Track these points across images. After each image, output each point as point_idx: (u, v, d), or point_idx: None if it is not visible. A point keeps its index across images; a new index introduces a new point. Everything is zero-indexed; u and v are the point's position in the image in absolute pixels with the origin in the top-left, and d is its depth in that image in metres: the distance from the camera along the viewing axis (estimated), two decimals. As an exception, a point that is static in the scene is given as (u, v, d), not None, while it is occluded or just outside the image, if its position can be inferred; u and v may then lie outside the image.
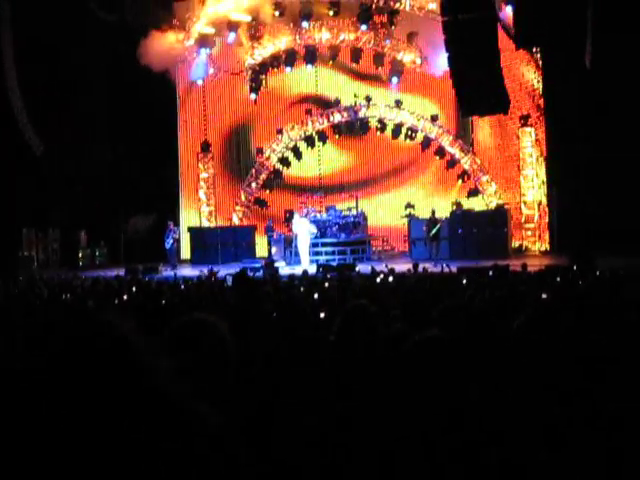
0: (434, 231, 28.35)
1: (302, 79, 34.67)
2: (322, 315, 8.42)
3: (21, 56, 27.86)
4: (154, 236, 31.96)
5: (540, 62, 31.14)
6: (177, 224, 32.39)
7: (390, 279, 15.81)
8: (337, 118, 34.27)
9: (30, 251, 32.60)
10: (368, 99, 33.61)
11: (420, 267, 19.99)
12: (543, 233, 32.12)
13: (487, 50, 19.81)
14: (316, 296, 11.52)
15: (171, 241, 30.91)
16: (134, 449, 1.65)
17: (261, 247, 33.20)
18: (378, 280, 15.55)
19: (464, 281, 13.46)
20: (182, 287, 16.12)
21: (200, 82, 33.73)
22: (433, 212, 29.12)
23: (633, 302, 8.80)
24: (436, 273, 18.73)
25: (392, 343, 4.59)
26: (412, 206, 32.60)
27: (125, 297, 13.03)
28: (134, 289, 15.24)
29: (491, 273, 16.27)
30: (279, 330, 6.70)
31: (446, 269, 18.54)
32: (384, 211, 34.23)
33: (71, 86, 30.50)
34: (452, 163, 33.26)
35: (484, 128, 32.94)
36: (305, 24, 32.11)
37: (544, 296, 9.83)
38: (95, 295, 14.18)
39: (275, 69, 33.92)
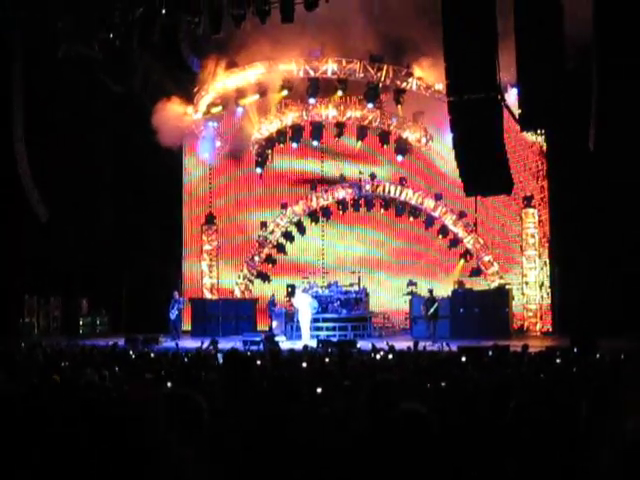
0: (432, 310, 28.35)
1: (307, 155, 34.88)
2: (319, 390, 8.40)
3: (29, 123, 28.09)
4: (157, 306, 31.91)
5: (544, 144, 31.36)
6: (181, 295, 32.33)
7: (390, 356, 15.77)
8: (341, 194, 34.41)
9: (31, 318, 32.55)
10: (373, 176, 33.76)
11: (420, 345, 19.92)
12: (545, 314, 32.07)
13: (492, 131, 19.92)
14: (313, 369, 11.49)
15: (176, 312, 30.84)
16: None
17: (262, 321, 33.13)
18: (378, 357, 15.51)
19: (463, 360, 13.42)
20: (185, 360, 16.02)
21: (206, 156, 33.95)
22: (431, 291, 29.17)
23: (632, 385, 8.76)
24: (435, 352, 18.67)
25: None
26: (414, 284, 32.61)
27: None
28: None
29: (491, 353, 16.21)
30: (269, 407, 6.67)
31: (446, 348, 18.49)
32: (386, 288, 34.23)
33: (78, 154, 30.70)
34: (455, 242, 33.30)
35: (487, 208, 33.04)
36: (312, 100, 32.37)
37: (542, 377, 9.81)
38: (93, 363, 14.11)
39: (281, 144, 34.14)
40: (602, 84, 21.10)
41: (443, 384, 9.04)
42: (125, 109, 31.15)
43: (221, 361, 13.79)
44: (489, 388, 7.63)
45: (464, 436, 4.07)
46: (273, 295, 32.92)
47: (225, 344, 23.78)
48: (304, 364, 13.44)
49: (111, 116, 32.05)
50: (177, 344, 23.75)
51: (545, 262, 32.15)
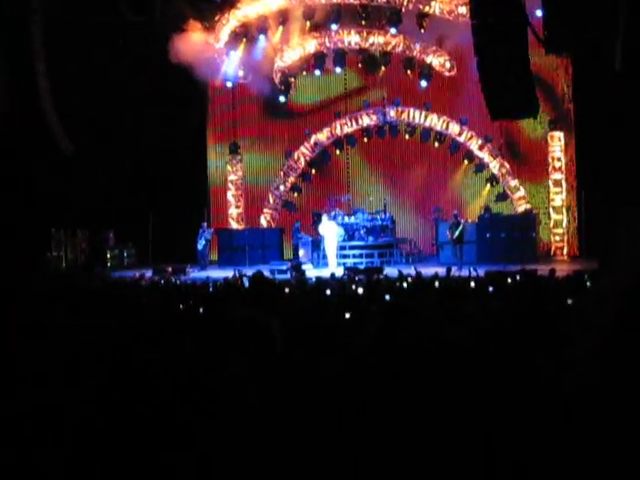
0: (457, 234, 28.31)
1: (331, 82, 34.61)
2: (347, 316, 8.43)
3: (51, 58, 28.01)
4: (184, 236, 32.07)
5: (570, 67, 31.07)
6: (209, 225, 32.37)
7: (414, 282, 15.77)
8: (366, 121, 34.25)
9: (59, 251, 32.74)
10: (397, 102, 33.54)
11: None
12: (572, 238, 32.03)
13: (517, 54, 19.71)
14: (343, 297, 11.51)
15: (203, 242, 30.98)
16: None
17: (289, 249, 33.25)
18: (405, 284, 15.51)
19: (490, 288, 13.38)
20: (211, 289, 16.10)
21: (229, 84, 33.72)
22: (455, 215, 29.07)
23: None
24: (463, 277, 18.65)
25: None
26: (440, 209, 32.58)
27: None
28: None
29: (518, 278, 16.19)
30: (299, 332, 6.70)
31: (473, 273, 18.46)
32: (412, 215, 34.17)
33: (100, 86, 30.65)
34: (481, 167, 33.13)
35: (514, 132, 32.77)
36: (334, 27, 32.06)
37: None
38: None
39: (304, 72, 33.90)
40: (629, 3, 20.79)
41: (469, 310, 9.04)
42: (146, 40, 30.99)
43: (247, 284, 13.83)
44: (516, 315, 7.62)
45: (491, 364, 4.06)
46: (298, 223, 32.93)
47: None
48: (327, 291, 13.45)
49: (132, 48, 31.87)
50: (207, 275, 23.83)
51: (572, 185, 32.04)
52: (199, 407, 3.67)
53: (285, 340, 5.57)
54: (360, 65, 33.27)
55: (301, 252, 31.72)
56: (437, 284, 14.65)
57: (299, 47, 33.29)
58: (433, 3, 30.60)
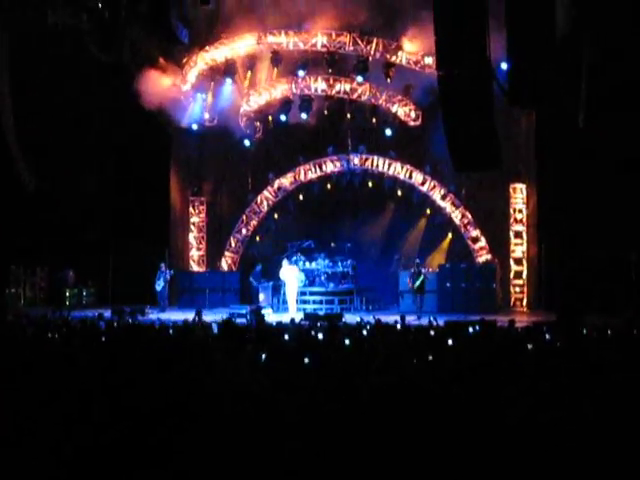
0: (418, 283, 28.40)
1: (296, 128, 34.60)
2: (306, 360, 8.41)
3: (16, 91, 27.93)
4: (144, 278, 31.91)
5: (534, 120, 31.38)
6: (170, 266, 32.18)
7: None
8: (329, 168, 34.36)
9: (17, 288, 32.50)
10: (361, 150, 33.68)
11: (407, 320, 19.95)
12: (531, 289, 32.20)
13: (481, 106, 19.87)
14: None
15: (162, 283, 30.84)
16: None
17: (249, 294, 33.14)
18: (364, 332, 15.49)
19: (449, 339, 13.40)
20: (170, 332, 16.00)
21: (195, 126, 33.69)
22: (417, 264, 29.17)
23: (617, 362, 8.80)
24: (423, 326, 18.67)
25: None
26: (400, 258, 32.64)
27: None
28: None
29: (478, 328, 16.22)
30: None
31: (433, 322, 18.49)
32: (374, 263, 34.13)
33: (65, 125, 30.60)
34: (443, 217, 33.25)
35: (476, 183, 32.92)
36: (301, 73, 32.21)
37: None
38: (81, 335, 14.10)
39: (270, 117, 33.96)
40: (592, 62, 21.10)
41: (430, 358, 9.05)
42: (113, 80, 31.01)
43: (216, 330, 13.89)
44: (475, 362, 7.63)
45: (449, 406, 4.06)
46: (259, 266, 32.84)
47: (212, 316, 23.82)
48: (286, 336, 13.42)
49: (99, 87, 31.84)
50: (158, 317, 23.68)
51: (532, 238, 32.26)
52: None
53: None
54: (326, 112, 33.32)
55: (261, 296, 31.65)
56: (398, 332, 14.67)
57: (266, 92, 33.40)
58: (400, 53, 30.89)
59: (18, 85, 28.09)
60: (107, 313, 24.25)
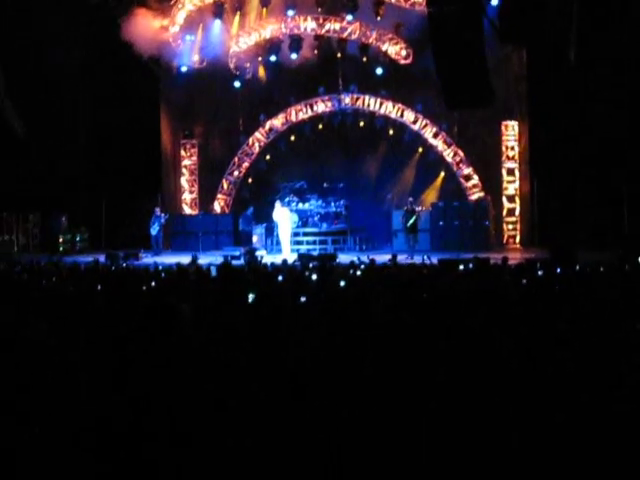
0: (411, 222, 28.38)
1: (286, 68, 34.33)
2: (302, 299, 8.46)
3: (2, 37, 27.68)
4: (137, 221, 31.95)
5: (525, 56, 31.25)
6: (163, 210, 32.10)
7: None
8: (321, 108, 34.24)
9: (10, 235, 32.47)
10: (352, 90, 33.54)
11: (400, 259, 20.02)
12: (524, 226, 32.27)
13: (472, 43, 19.77)
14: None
15: (157, 227, 30.81)
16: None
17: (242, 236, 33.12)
18: (358, 272, 15.53)
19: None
20: (163, 275, 16.05)
21: (184, 69, 33.45)
22: (410, 203, 29.12)
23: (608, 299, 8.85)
24: (416, 265, 18.72)
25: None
26: (393, 197, 32.63)
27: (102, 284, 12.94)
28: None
29: (471, 265, 16.29)
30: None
31: (427, 261, 18.55)
32: (367, 202, 34.07)
33: (53, 69, 30.42)
34: (435, 155, 33.21)
35: (468, 121, 32.82)
36: (291, 13, 31.96)
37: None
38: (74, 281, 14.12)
39: (260, 57, 33.75)
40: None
41: (425, 295, 9.08)
42: (100, 22, 30.79)
43: (214, 273, 13.95)
44: (468, 298, 7.67)
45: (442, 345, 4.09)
46: (251, 209, 32.83)
47: (205, 259, 23.88)
48: (280, 277, 13.47)
49: (86, 29, 31.62)
50: (155, 261, 23.69)
51: (525, 174, 32.28)
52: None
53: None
54: (316, 51, 33.09)
55: (255, 238, 31.69)
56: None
57: (255, 33, 33.15)
58: (389, -9, 30.65)
59: (3, 29, 27.82)
60: (101, 258, 24.29)
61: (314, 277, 13.62)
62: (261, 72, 34.40)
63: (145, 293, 10.49)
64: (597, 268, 14.82)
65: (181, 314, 3.83)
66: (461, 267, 15.68)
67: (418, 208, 29.76)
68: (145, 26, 31.07)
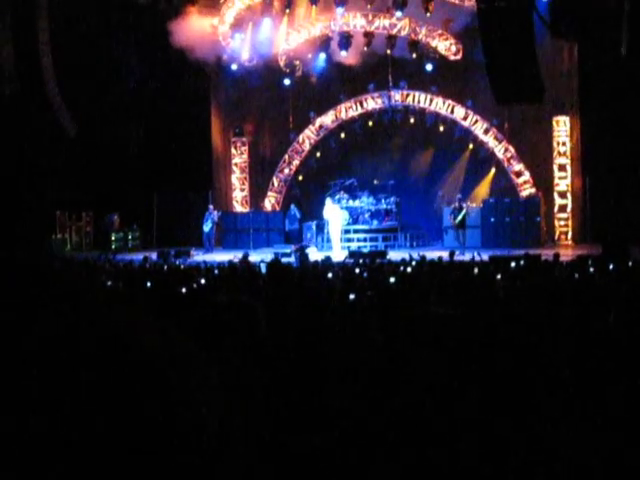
0: (459, 218, 28.30)
1: (336, 65, 34.31)
2: (352, 297, 8.46)
3: (55, 38, 27.93)
4: (188, 220, 32.18)
5: (575, 51, 30.98)
6: (216, 208, 32.23)
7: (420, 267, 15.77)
8: (370, 105, 34.21)
9: (63, 234, 32.80)
10: (402, 86, 33.46)
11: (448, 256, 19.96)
12: (576, 223, 32.03)
13: (522, 38, 19.68)
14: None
15: (210, 224, 30.93)
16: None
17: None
18: (409, 269, 15.51)
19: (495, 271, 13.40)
20: (216, 272, 16.14)
21: (234, 67, 33.61)
22: (459, 200, 29.07)
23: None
24: (468, 261, 18.67)
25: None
26: (444, 194, 32.51)
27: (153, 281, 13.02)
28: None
29: (523, 262, 16.20)
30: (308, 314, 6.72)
31: (477, 258, 18.48)
32: (418, 199, 33.98)
33: (104, 68, 30.68)
34: (486, 151, 33.06)
35: (519, 117, 32.60)
36: (340, 10, 31.96)
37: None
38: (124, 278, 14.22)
39: (310, 55, 33.79)
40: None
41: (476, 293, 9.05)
42: (150, 22, 31.01)
43: (264, 270, 13.98)
44: (521, 295, 7.62)
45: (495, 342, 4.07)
46: (293, 207, 32.95)
47: (257, 256, 23.95)
48: (329, 275, 13.47)
49: (136, 30, 31.85)
50: (204, 260, 23.80)
51: (576, 171, 32.02)
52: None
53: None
54: (365, 48, 33.05)
55: (307, 235, 31.82)
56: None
57: (305, 30, 33.22)
58: (440, -14, 30.53)
59: (55, 30, 28.08)
60: (153, 256, 24.46)
61: (365, 275, 13.62)
62: (311, 70, 34.39)
63: (196, 290, 10.53)
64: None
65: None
66: (512, 264, 15.58)
67: (466, 204, 29.66)
68: (195, 25, 31.26)
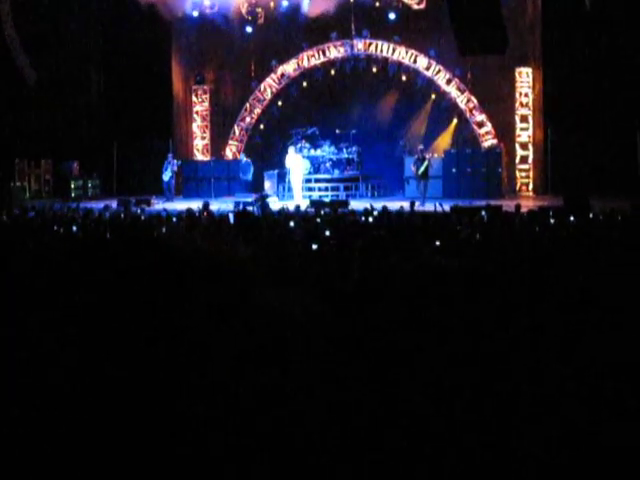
0: (422, 169, 28.25)
1: (298, 13, 34.01)
2: (314, 247, 8.44)
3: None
4: (148, 168, 31.99)
5: (540, 2, 30.94)
6: (176, 157, 32.02)
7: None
8: (333, 53, 34.00)
9: (22, 182, 32.53)
10: (365, 35, 33.25)
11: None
12: (537, 174, 32.17)
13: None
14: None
15: (170, 173, 30.74)
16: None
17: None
18: (370, 219, 15.51)
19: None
20: (174, 220, 16.09)
21: (195, 14, 33.25)
22: (421, 150, 29.02)
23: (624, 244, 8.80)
24: (429, 212, 18.70)
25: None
26: (405, 144, 32.46)
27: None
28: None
29: (484, 213, 16.25)
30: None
31: (439, 208, 18.50)
32: (379, 149, 33.91)
33: (64, 17, 30.28)
34: (448, 102, 33.02)
35: (481, 67, 32.54)
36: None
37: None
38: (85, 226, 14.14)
39: (271, 2, 33.46)
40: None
41: (437, 243, 9.06)
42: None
43: (232, 220, 13.99)
44: (482, 246, 7.63)
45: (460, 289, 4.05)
46: (242, 159, 32.93)
47: (218, 205, 23.88)
48: (291, 223, 13.46)
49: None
50: (164, 208, 23.72)
51: (538, 122, 32.10)
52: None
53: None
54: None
55: (267, 184, 31.70)
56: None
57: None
58: None
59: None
60: (113, 204, 24.31)
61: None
62: (272, 18, 34.05)
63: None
64: (611, 216, 14.77)
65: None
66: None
67: (429, 155, 29.66)
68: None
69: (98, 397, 1.94)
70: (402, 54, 33.01)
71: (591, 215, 15.65)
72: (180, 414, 1.88)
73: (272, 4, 33.43)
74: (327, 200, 27.38)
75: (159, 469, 1.93)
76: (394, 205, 20.29)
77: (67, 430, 1.98)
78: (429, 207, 21.49)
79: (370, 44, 33.34)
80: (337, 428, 2.91)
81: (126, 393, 1.91)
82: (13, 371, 2.00)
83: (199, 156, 35.35)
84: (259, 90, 34.72)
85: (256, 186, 32.11)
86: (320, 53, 34.08)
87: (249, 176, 32.32)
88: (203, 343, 2.20)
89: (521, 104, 32.16)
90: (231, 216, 15.35)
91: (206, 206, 20.49)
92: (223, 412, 2.25)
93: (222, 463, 2.14)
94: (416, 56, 32.84)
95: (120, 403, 1.93)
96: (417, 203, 22.24)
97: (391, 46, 33.04)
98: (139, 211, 22.06)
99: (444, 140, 33.07)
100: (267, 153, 33.69)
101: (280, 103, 34.92)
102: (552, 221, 14.11)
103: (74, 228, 14.04)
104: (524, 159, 32.22)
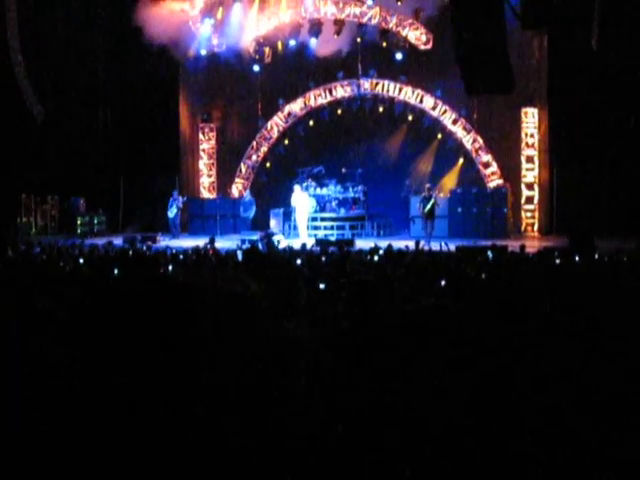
0: (428, 207, 28.24)
1: (305, 53, 34.21)
2: (321, 286, 8.42)
3: (23, 23, 27.70)
4: (155, 206, 32.07)
5: (546, 43, 31.05)
6: (181, 194, 32.10)
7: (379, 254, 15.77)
8: (340, 93, 34.14)
9: (29, 217, 32.58)
10: (371, 74, 33.41)
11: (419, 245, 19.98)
12: (543, 214, 32.16)
13: (493, 29, 19.64)
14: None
15: (175, 210, 30.82)
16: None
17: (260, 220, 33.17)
18: (376, 258, 15.50)
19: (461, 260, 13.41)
20: (181, 257, 16.09)
21: (204, 52, 33.46)
22: (428, 189, 29.03)
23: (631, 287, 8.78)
24: (434, 251, 18.69)
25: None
26: (411, 184, 32.53)
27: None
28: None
29: (489, 253, 16.23)
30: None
31: (444, 247, 18.48)
32: (385, 188, 33.95)
33: (73, 55, 30.45)
34: (454, 142, 33.10)
35: (487, 108, 32.63)
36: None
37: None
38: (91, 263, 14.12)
39: (279, 42, 33.66)
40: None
41: (442, 283, 9.05)
42: (118, 7, 30.86)
43: (240, 257, 13.99)
44: (488, 286, 7.61)
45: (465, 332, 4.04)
46: (247, 197, 33.00)
47: (223, 243, 23.89)
48: (298, 261, 13.45)
49: (104, 13, 31.67)
50: (167, 245, 23.76)
51: (544, 162, 32.13)
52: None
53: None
54: (336, 36, 32.95)
55: (272, 222, 31.73)
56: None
57: (275, 17, 33.07)
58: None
59: (23, 17, 27.85)
60: (119, 240, 24.34)
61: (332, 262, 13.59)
62: (280, 57, 34.23)
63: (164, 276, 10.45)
64: (617, 257, 14.74)
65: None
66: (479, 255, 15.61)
67: (435, 194, 29.70)
68: (164, 10, 31.09)
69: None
70: (408, 94, 33.14)
71: (596, 255, 15.61)
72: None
73: (280, 43, 33.61)
74: (333, 239, 27.39)
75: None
76: (399, 244, 20.25)
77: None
78: (435, 246, 21.47)
79: (377, 84, 33.50)
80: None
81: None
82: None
83: (205, 194, 35.46)
84: (266, 128, 34.87)
85: (262, 224, 32.14)
86: (327, 92, 34.24)
87: (250, 214, 32.41)
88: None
89: (527, 144, 32.22)
90: (239, 253, 15.36)
91: (212, 241, 20.55)
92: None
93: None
94: (422, 96, 32.98)
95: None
96: (422, 242, 22.20)
97: (397, 86, 33.19)
98: (145, 248, 22.09)
99: (450, 180, 33.12)
100: (273, 191, 33.78)
101: (287, 141, 35.07)
102: (557, 261, 14.07)
103: (80, 261, 14.06)
104: (530, 199, 32.23)
